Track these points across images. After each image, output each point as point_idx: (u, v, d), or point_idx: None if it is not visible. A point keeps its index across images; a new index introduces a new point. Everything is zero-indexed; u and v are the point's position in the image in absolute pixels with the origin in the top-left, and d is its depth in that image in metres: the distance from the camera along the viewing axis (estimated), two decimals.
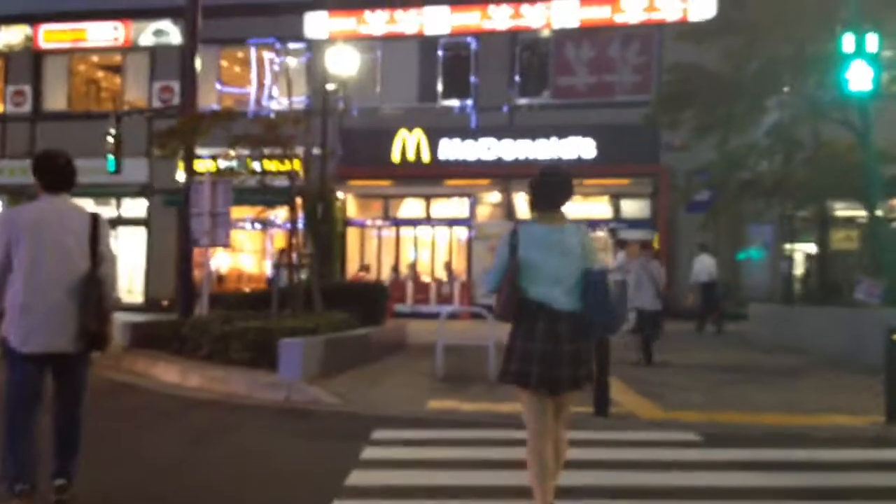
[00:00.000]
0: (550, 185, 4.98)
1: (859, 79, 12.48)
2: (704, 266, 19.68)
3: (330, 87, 22.57)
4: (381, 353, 14.23)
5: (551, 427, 4.88)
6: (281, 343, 10.87)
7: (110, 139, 19.33)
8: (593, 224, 25.39)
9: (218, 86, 28.06)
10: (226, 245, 15.02)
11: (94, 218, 5.46)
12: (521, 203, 26.61)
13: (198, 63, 15.39)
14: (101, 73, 31.80)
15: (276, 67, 27.61)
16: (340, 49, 21.88)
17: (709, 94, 14.78)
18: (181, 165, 26.79)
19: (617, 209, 25.92)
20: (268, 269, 28.31)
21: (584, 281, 4.79)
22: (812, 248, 26.25)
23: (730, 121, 15.11)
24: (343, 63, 21.66)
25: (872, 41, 12.59)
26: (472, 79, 26.82)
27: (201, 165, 27.46)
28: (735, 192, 15.31)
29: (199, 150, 16.66)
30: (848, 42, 12.57)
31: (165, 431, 8.61)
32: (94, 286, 5.31)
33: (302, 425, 8.89)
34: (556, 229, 4.89)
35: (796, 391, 11.07)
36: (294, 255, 13.84)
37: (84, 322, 5.27)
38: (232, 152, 14.80)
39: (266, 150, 13.72)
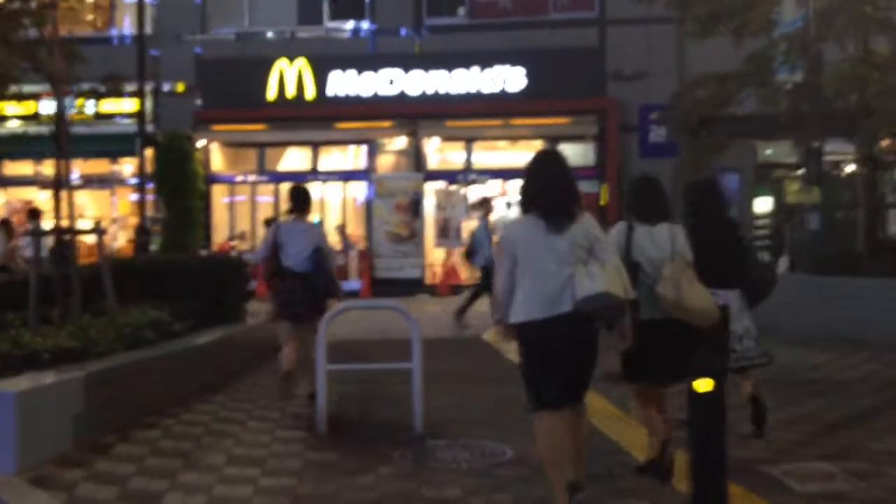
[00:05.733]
0: (299, 197, 7.90)
1: None
2: None
3: None
4: (232, 375, 8.72)
5: (298, 344, 7.62)
6: None
7: None
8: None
9: None
10: None
11: None
12: (432, 151, 21.18)
13: None
14: None
15: None
16: None
17: None
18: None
19: None
20: (119, 239, 22.31)
21: (314, 255, 7.60)
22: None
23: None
24: None
25: None
26: None
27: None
28: (770, 108, 10.32)
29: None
30: None
31: None
32: None
33: None
34: (302, 224, 7.82)
35: None
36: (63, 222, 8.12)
37: None
38: None
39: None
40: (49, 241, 8.00)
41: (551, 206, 4.51)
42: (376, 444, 6.23)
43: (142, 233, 15.19)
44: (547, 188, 4.55)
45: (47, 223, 8.97)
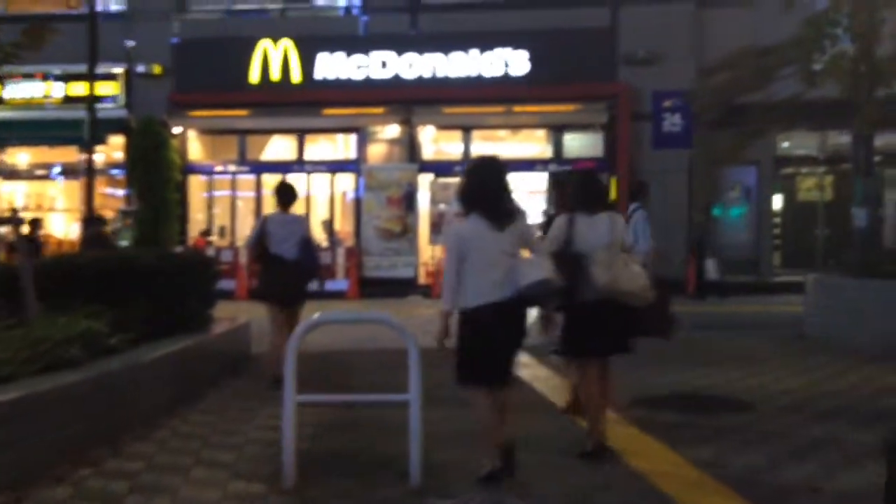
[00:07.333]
0: (285, 194, 8.59)
1: None
2: None
3: None
4: (184, 400, 7.14)
5: (285, 326, 7.89)
6: None
7: None
8: (530, 165, 18.58)
9: None
10: None
11: None
12: (427, 140, 19.64)
13: None
14: None
15: None
16: None
17: None
18: None
19: (559, 146, 19.16)
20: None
21: (301, 242, 8.30)
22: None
23: None
24: None
25: None
26: None
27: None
28: (835, 84, 8.78)
29: None
30: None
31: None
32: None
33: None
34: (288, 216, 8.52)
35: None
36: None
37: None
38: None
39: None
40: None
41: (493, 207, 5.09)
42: (361, 502, 4.69)
43: (94, 225, 13.58)
44: (488, 191, 5.13)
45: None
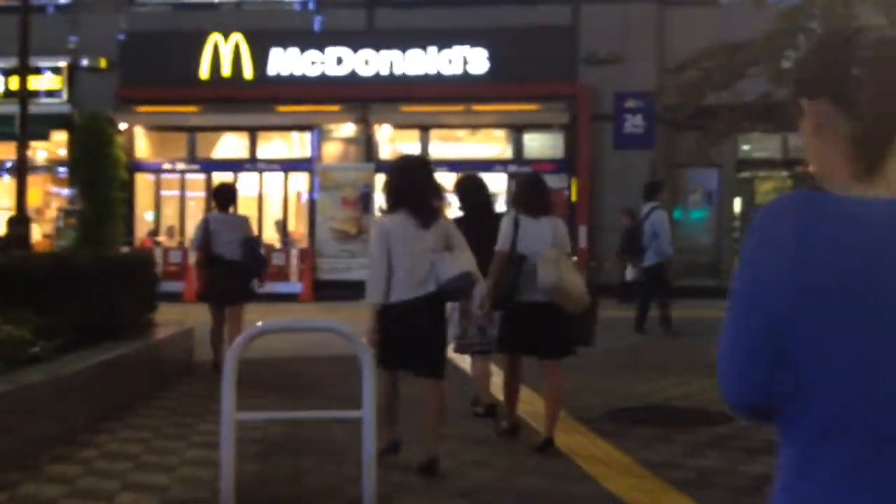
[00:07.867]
0: (223, 195, 8.88)
1: None
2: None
3: None
4: (117, 414, 6.55)
5: (223, 324, 8.33)
6: None
7: None
8: (489, 165, 18.09)
9: None
10: None
11: None
12: (384, 139, 19.11)
13: None
14: None
15: None
16: None
17: None
18: None
19: (518, 147, 18.74)
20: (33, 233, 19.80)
21: (244, 244, 8.37)
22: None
23: None
24: None
25: None
26: None
27: None
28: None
29: None
30: None
31: None
32: None
33: None
34: (229, 216, 8.69)
35: None
36: None
37: None
38: None
39: None
40: None
41: (420, 206, 5.22)
42: None
43: (18, 224, 12.83)
44: (415, 190, 5.26)
45: None
